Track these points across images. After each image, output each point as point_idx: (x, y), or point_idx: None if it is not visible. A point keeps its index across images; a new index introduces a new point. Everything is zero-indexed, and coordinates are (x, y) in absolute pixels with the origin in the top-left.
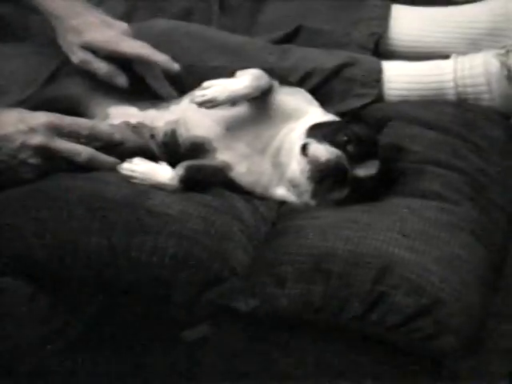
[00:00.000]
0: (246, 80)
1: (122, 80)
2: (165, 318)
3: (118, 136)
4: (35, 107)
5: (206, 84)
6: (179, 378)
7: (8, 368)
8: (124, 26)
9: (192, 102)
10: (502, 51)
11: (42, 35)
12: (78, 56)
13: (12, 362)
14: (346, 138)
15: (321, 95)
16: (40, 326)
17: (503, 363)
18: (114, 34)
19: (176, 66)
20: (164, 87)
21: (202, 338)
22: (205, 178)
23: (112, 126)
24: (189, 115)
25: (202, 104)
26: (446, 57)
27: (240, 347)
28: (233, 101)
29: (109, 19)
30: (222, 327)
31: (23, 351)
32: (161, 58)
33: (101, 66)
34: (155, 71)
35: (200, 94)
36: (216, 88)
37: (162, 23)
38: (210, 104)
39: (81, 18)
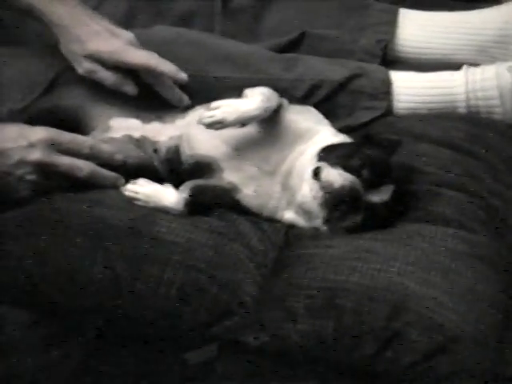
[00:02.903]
0: (256, 101)
1: (130, 88)
2: (168, 339)
3: (119, 156)
4: (34, 116)
5: (214, 104)
6: None
7: None
8: (129, 35)
9: (200, 122)
10: None
11: (41, 40)
12: (83, 66)
13: None
14: (360, 162)
15: (328, 108)
16: (39, 354)
17: None
18: (120, 44)
19: (184, 76)
20: (175, 94)
21: (206, 361)
22: (211, 200)
23: (113, 145)
24: (193, 132)
25: (210, 125)
26: (455, 64)
27: (243, 375)
28: (242, 122)
29: (114, 28)
30: (228, 354)
31: (23, 380)
32: (168, 67)
33: (107, 76)
34: (164, 79)
35: (208, 114)
36: (225, 109)
37: (164, 31)
38: (218, 125)
39: (85, 27)
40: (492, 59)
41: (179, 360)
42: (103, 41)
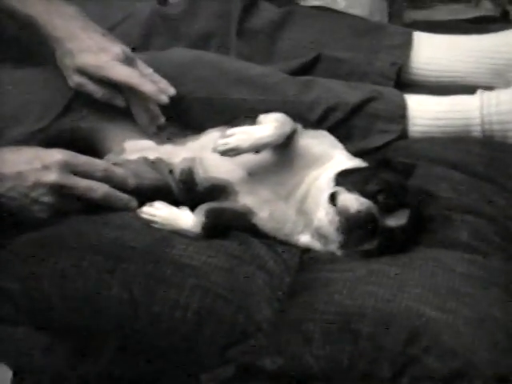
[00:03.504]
0: (270, 127)
1: (119, 101)
2: (185, 360)
3: (132, 181)
4: (50, 138)
5: (229, 132)
6: None
7: None
8: (117, 49)
9: (215, 150)
10: None
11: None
12: (72, 79)
13: None
14: (376, 187)
15: (343, 131)
16: (58, 377)
17: None
18: (107, 59)
19: (164, 98)
20: (144, 119)
21: (221, 383)
22: (226, 222)
23: (129, 167)
24: (207, 155)
25: (224, 153)
26: (469, 87)
27: None
28: (256, 149)
29: (105, 42)
30: (244, 376)
31: None
32: (148, 88)
33: (96, 89)
34: (143, 101)
35: (223, 142)
36: (239, 136)
37: (180, 53)
38: (233, 153)
39: (77, 41)
40: (507, 82)
41: (195, 381)
42: (91, 55)
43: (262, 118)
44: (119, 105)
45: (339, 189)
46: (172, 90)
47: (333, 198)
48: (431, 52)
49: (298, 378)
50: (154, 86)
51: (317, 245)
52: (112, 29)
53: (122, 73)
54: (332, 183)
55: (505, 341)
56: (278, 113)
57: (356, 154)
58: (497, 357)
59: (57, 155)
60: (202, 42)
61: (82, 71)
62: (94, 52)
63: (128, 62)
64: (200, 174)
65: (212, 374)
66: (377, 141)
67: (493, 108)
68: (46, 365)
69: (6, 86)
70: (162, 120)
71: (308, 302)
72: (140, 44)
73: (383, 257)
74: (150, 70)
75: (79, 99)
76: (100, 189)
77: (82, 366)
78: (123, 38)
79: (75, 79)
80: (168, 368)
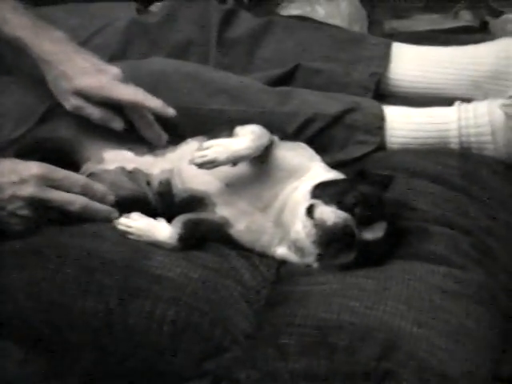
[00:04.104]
0: (247, 140)
1: (117, 124)
2: (161, 373)
3: (111, 197)
4: (27, 147)
5: (206, 144)
6: None
7: None
8: (115, 70)
9: (191, 162)
10: (508, 101)
11: (36, 71)
12: (70, 103)
13: None
14: (353, 200)
15: (321, 142)
16: None
17: None
18: (107, 80)
19: (171, 111)
20: (154, 133)
21: None
22: (203, 234)
23: (107, 177)
24: (185, 166)
25: (201, 165)
26: (448, 98)
27: None
28: (233, 161)
29: (100, 63)
30: None
31: None
32: (155, 103)
33: (95, 112)
34: (147, 117)
35: (200, 154)
36: (216, 149)
37: (159, 63)
38: (210, 165)
39: (71, 64)
40: (485, 95)
41: None
42: (90, 77)
43: (239, 129)
44: (117, 128)
45: (316, 201)
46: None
47: (310, 210)
48: (410, 63)
49: None
50: (160, 101)
51: (293, 257)
52: (90, 38)
53: (127, 92)
54: (309, 195)
55: (480, 354)
56: (255, 125)
57: (334, 165)
58: (471, 370)
59: (34, 168)
60: (180, 51)
61: (81, 94)
62: (92, 74)
63: (124, 81)
64: (178, 185)
65: None
66: (355, 152)
67: (470, 120)
68: (21, 377)
69: None
70: (164, 135)
71: (284, 316)
72: (118, 53)
73: (360, 270)
74: (141, 90)
75: (57, 109)
76: (78, 201)
77: (58, 380)
78: (101, 47)
79: (73, 102)
80: (144, 381)
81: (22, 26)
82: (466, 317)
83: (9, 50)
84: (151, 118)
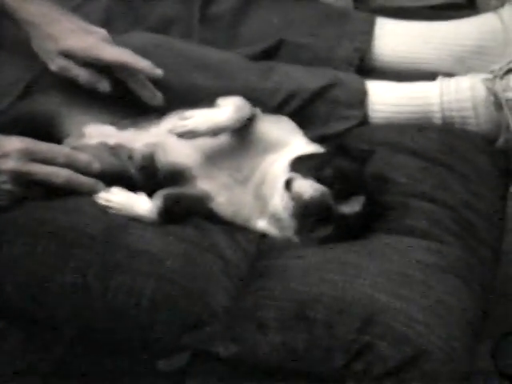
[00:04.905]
0: (228, 111)
1: (104, 85)
2: (141, 347)
3: (96, 166)
4: (9, 121)
5: (187, 114)
6: None
7: None
8: (103, 32)
9: (172, 132)
10: (490, 76)
11: (16, 44)
12: (56, 63)
13: None
14: (330, 174)
15: (304, 117)
16: (13, 361)
17: None
18: (94, 41)
19: (159, 72)
20: (149, 91)
21: (179, 369)
22: (183, 208)
23: (88, 152)
24: (168, 140)
25: (182, 135)
26: (432, 73)
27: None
28: (214, 132)
29: (87, 25)
30: (199, 363)
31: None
32: (143, 64)
33: (81, 73)
34: (138, 77)
35: (180, 124)
36: (197, 119)
37: (141, 37)
38: (190, 135)
39: (58, 25)
40: (468, 70)
41: (151, 368)
42: (77, 38)
43: (221, 101)
44: (104, 89)
45: (294, 175)
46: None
47: (288, 184)
48: (394, 39)
49: (253, 365)
50: (148, 61)
51: (273, 230)
52: (72, 12)
53: (115, 52)
54: (288, 169)
55: (458, 328)
56: (237, 97)
57: (316, 140)
58: (448, 343)
59: (16, 143)
60: (163, 27)
61: (68, 54)
62: (79, 34)
63: (112, 43)
64: (161, 159)
65: (168, 361)
66: (337, 127)
67: (452, 95)
68: (2, 349)
69: None
70: (159, 94)
71: (264, 289)
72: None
73: (339, 244)
74: (129, 51)
75: (37, 83)
76: (61, 174)
77: (40, 353)
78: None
79: (59, 63)
80: (124, 357)
81: None
82: (445, 291)
83: None
84: (143, 77)
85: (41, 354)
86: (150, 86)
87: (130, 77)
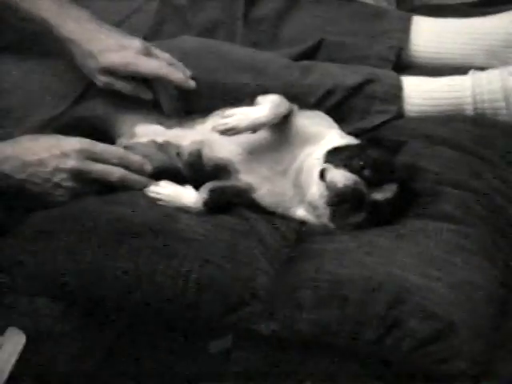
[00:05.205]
0: (266, 108)
1: (147, 95)
2: (191, 329)
3: (148, 167)
4: (67, 124)
5: (228, 112)
6: None
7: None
8: (137, 43)
9: (214, 129)
10: None
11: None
12: (100, 80)
13: (46, 378)
14: (361, 163)
15: (342, 112)
16: (71, 343)
17: None
18: (130, 55)
19: (192, 83)
20: (171, 104)
21: (226, 349)
22: (228, 199)
23: (139, 150)
24: (212, 137)
25: (223, 132)
26: (466, 68)
27: (260, 361)
28: (253, 129)
29: (122, 39)
30: (244, 342)
31: (55, 368)
32: (177, 76)
33: (124, 86)
34: (169, 89)
35: (222, 122)
36: (238, 116)
37: (187, 41)
38: (231, 132)
39: (95, 42)
40: (502, 63)
41: (202, 350)
42: (115, 54)
43: (260, 99)
44: (146, 98)
45: (328, 165)
46: (188, 72)
47: (322, 174)
48: (429, 36)
49: (291, 342)
50: (182, 73)
51: (311, 218)
52: (124, 20)
53: (150, 65)
54: (323, 160)
55: (484, 304)
56: (275, 94)
57: (354, 133)
58: (475, 318)
59: (75, 143)
60: (209, 30)
61: (109, 70)
62: (116, 50)
63: (147, 52)
64: (207, 154)
65: (216, 343)
66: (374, 121)
67: (484, 87)
68: (58, 333)
69: (20, 75)
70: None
71: (301, 271)
72: (151, 34)
73: (373, 229)
74: (166, 55)
75: (92, 88)
76: (116, 172)
77: (94, 336)
78: (135, 29)
79: (102, 79)
80: (176, 340)
81: (47, 7)
82: (473, 271)
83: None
84: (173, 89)
85: (96, 337)
86: (174, 100)
87: (161, 88)
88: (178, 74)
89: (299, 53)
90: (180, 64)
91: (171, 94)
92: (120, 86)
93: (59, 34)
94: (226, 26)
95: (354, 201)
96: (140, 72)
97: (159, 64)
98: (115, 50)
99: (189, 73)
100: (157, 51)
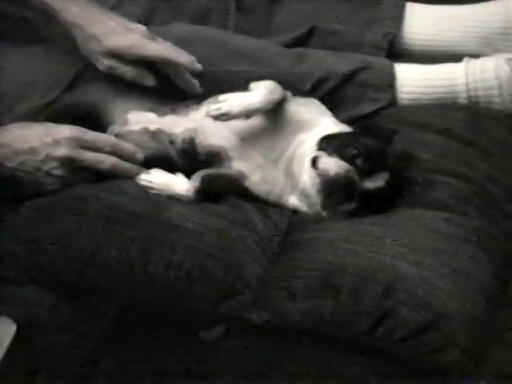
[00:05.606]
0: (260, 94)
1: (149, 80)
2: (183, 319)
3: (140, 156)
4: (58, 111)
5: (221, 97)
6: (195, 377)
7: (34, 372)
8: (143, 28)
9: (207, 114)
10: None
11: (64, 37)
12: (103, 64)
13: (38, 367)
14: (354, 152)
15: (335, 100)
16: (63, 332)
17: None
18: (136, 38)
19: (199, 66)
20: (190, 84)
21: (218, 339)
22: (220, 188)
23: (131, 137)
24: (206, 124)
25: (216, 117)
26: (460, 56)
27: (251, 350)
28: (247, 114)
29: (127, 23)
30: (236, 331)
31: (48, 356)
32: (185, 58)
33: (127, 70)
34: (178, 69)
35: (215, 107)
36: (231, 102)
37: (180, 28)
38: (224, 117)
39: (100, 25)
40: (496, 51)
41: (193, 338)
42: (120, 37)
43: (253, 85)
44: (149, 83)
45: (320, 153)
46: (192, 56)
47: (314, 161)
48: (422, 22)
49: (284, 331)
50: (188, 56)
51: (303, 206)
52: (115, 6)
53: (157, 48)
54: (315, 147)
55: (476, 294)
56: (269, 81)
57: (347, 121)
58: (468, 309)
59: (66, 131)
60: (201, 17)
61: (113, 54)
62: (121, 33)
63: (151, 36)
64: (201, 142)
65: (208, 332)
66: (366, 108)
67: (477, 75)
68: (53, 322)
69: (12, 62)
70: (197, 83)
71: (293, 260)
72: (143, 21)
73: (365, 217)
74: (168, 43)
75: (84, 75)
76: (108, 160)
77: (86, 325)
78: (127, 16)
79: (106, 63)
80: (166, 330)
81: None
82: (466, 260)
83: (39, 17)
84: (182, 69)
85: (87, 326)
86: (189, 77)
87: (172, 70)
88: (185, 56)
89: (292, 40)
90: (182, 50)
91: (185, 76)
92: (123, 70)
93: (63, 19)
94: (218, 13)
95: (345, 189)
96: (146, 55)
97: (164, 47)
98: (120, 32)
99: (193, 57)
100: (158, 38)
